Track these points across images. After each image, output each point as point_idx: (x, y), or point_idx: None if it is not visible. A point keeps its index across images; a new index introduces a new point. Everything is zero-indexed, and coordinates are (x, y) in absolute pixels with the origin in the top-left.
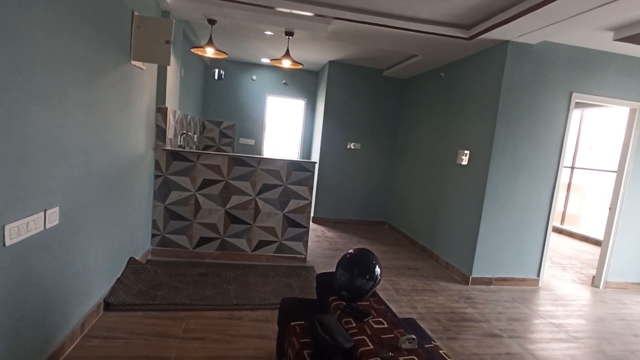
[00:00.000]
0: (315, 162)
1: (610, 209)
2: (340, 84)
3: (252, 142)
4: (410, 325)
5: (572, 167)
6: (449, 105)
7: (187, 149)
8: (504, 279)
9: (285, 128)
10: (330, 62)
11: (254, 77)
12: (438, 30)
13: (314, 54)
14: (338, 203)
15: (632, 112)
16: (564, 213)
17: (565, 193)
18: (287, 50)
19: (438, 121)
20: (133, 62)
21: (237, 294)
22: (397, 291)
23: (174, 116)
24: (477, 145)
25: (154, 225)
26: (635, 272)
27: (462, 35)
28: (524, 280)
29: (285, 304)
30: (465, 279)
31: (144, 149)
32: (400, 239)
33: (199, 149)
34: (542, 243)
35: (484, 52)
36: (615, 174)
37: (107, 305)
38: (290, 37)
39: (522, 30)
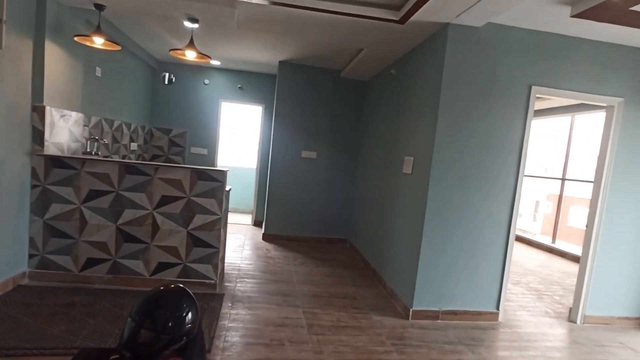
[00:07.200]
0: (227, 171)
1: (587, 227)
2: (291, 86)
3: (204, 151)
4: None
5: (563, 179)
6: (400, 106)
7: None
8: (454, 313)
9: (242, 136)
10: (280, 62)
11: (206, 81)
12: (363, 11)
13: (259, 53)
14: (293, 218)
15: (610, 109)
16: (554, 230)
17: (555, 208)
18: (192, 40)
19: (390, 125)
20: None
21: (92, 332)
22: (310, 328)
23: (67, 117)
24: (420, 150)
25: (32, 243)
26: (622, 304)
27: (393, 18)
28: (480, 314)
29: (80, 358)
30: (406, 312)
31: (4, 153)
32: (356, 259)
33: (145, 160)
34: (500, 268)
35: (426, 41)
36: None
37: None
38: (195, 25)
39: (459, 7)
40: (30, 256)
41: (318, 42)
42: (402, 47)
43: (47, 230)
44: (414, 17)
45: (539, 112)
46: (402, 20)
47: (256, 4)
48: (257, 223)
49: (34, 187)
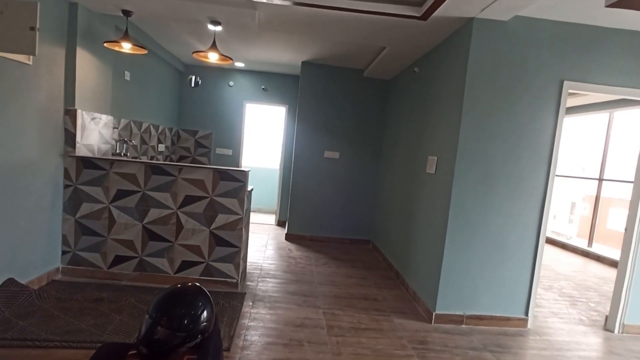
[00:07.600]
0: (248, 171)
1: (626, 229)
2: (314, 86)
3: (229, 152)
4: None
5: (600, 179)
6: (423, 104)
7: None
8: (479, 318)
9: (265, 137)
10: (303, 62)
11: (231, 83)
12: (385, 9)
13: (282, 53)
14: (315, 218)
15: None
16: (591, 233)
17: (591, 210)
18: (214, 42)
19: (414, 123)
20: (2, 55)
21: (118, 327)
22: (330, 330)
23: (98, 120)
24: (443, 149)
25: (64, 240)
26: None
27: (415, 14)
28: (508, 319)
29: (102, 352)
30: (429, 316)
31: (38, 154)
32: (379, 261)
33: (172, 160)
34: (530, 272)
35: (450, 37)
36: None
37: None
38: (217, 27)
39: (483, 0)
40: (63, 253)
41: (340, 42)
42: (425, 44)
43: (79, 228)
44: (436, 13)
45: (574, 109)
46: (425, 17)
47: (277, 4)
48: (280, 223)
49: (66, 187)
